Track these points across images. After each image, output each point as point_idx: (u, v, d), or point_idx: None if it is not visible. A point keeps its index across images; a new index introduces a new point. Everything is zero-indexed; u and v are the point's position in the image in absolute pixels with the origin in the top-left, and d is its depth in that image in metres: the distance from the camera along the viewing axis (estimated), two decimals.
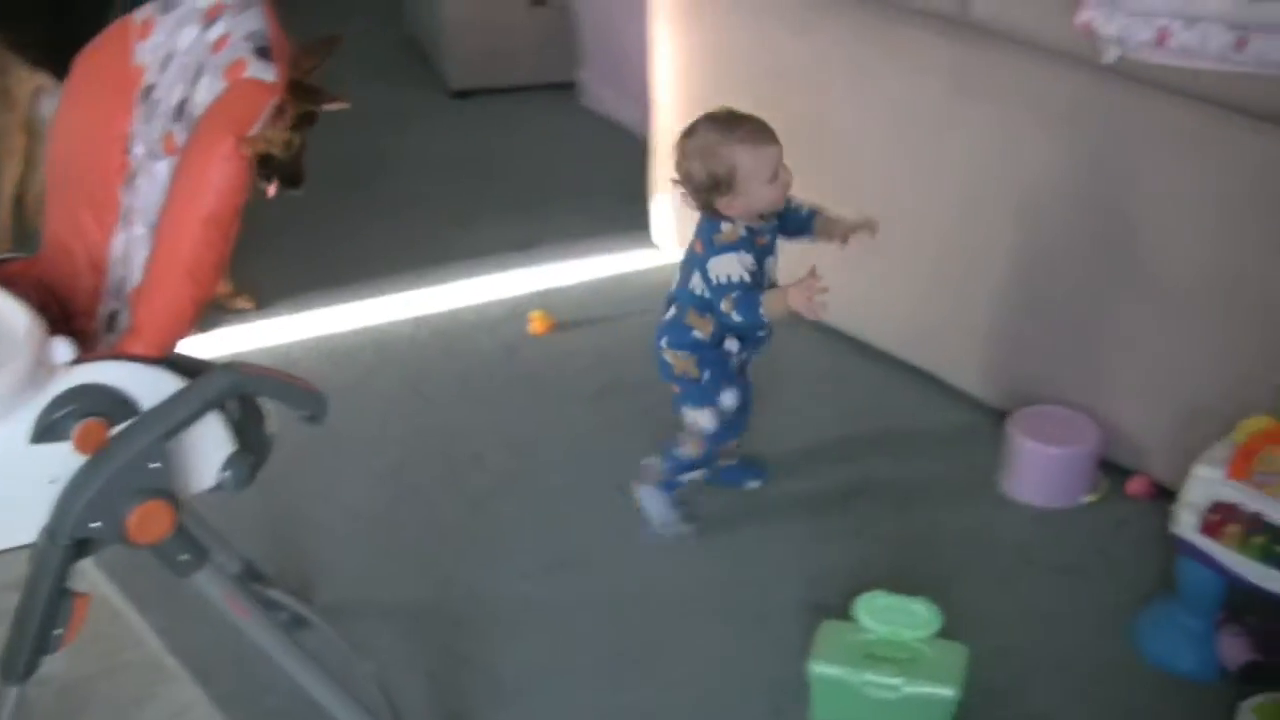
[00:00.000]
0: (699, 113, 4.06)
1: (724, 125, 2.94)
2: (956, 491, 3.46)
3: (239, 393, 2.17)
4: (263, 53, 2.16)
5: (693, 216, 4.19)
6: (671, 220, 4.40)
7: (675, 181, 3.03)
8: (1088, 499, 3.40)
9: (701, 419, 3.18)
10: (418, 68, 5.72)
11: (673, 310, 3.13)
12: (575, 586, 3.11)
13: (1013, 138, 3.44)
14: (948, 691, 2.66)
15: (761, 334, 3.14)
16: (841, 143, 3.83)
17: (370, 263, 4.40)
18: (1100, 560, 3.22)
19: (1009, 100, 3.41)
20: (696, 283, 3.05)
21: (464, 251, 4.48)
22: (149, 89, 2.36)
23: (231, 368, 2.14)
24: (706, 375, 3.13)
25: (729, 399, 3.17)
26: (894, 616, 2.77)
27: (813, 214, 3.12)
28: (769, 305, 2.93)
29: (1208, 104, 3.09)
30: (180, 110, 2.24)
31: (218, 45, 2.22)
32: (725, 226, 2.98)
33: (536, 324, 4.05)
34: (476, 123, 5.47)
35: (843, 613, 2.82)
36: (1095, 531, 3.30)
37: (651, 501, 3.27)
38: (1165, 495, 3.14)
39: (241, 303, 4.11)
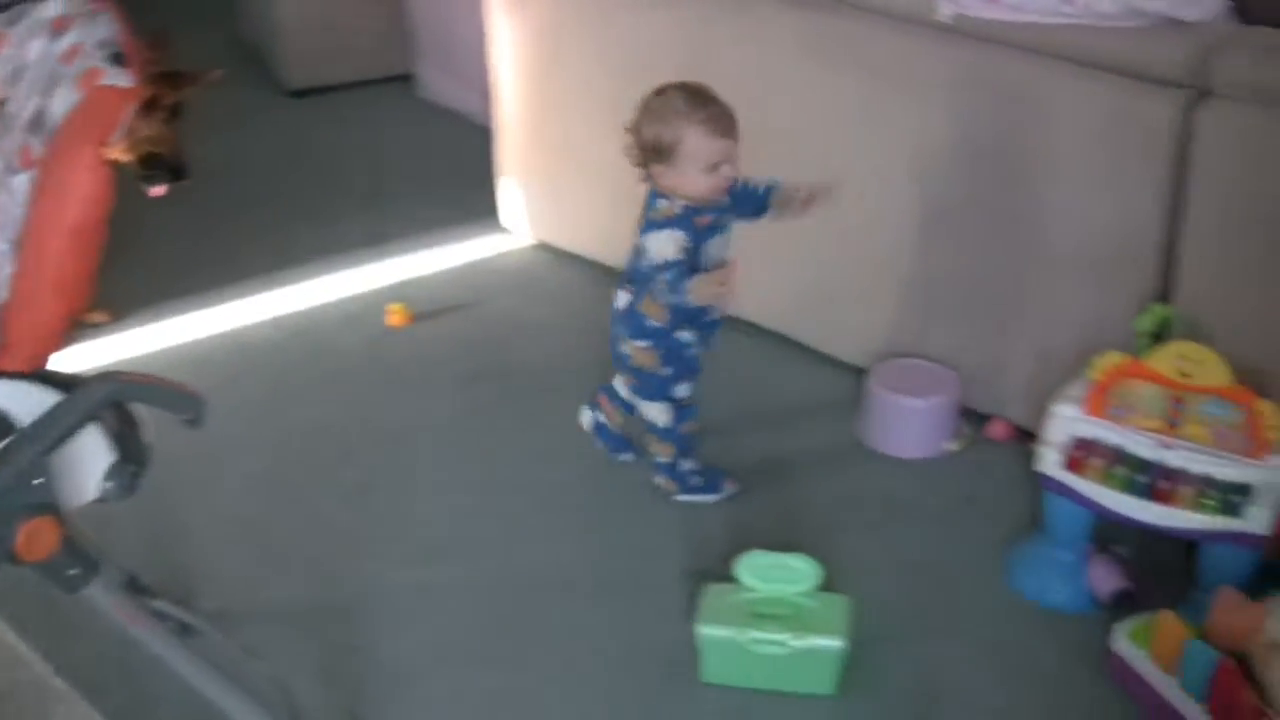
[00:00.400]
0: (540, 96, 4.10)
1: (691, 100, 2.93)
2: (826, 451, 3.53)
3: (118, 400, 2.16)
4: (117, 59, 2.16)
5: (544, 199, 4.24)
6: (521, 203, 4.42)
7: (626, 130, 3.00)
8: (951, 447, 3.48)
9: (654, 412, 3.22)
10: (253, 68, 5.67)
11: (626, 296, 3.13)
12: (457, 573, 3.13)
13: (857, 103, 3.50)
14: (834, 643, 2.73)
15: (708, 319, 3.14)
16: None
17: (222, 267, 4.37)
18: (969, 505, 3.31)
19: (855, 66, 3.48)
20: (645, 264, 3.04)
21: (316, 249, 4.46)
22: (1, 104, 2.35)
23: (109, 376, 2.13)
24: (669, 370, 3.16)
25: (682, 391, 3.21)
26: (775, 574, 2.83)
27: (770, 189, 3.12)
28: (696, 291, 2.93)
29: (1043, 56, 3.18)
30: (36, 122, 2.23)
31: (69, 55, 2.21)
32: (662, 203, 2.97)
33: (395, 316, 4.05)
34: (317, 120, 5.45)
35: (725, 577, 2.88)
36: (961, 477, 3.39)
37: (692, 499, 3.30)
38: (1026, 437, 3.23)
39: (97, 317, 4.07)
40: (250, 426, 3.61)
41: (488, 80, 4.51)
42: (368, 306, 4.15)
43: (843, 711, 2.77)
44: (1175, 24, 3.06)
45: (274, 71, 5.65)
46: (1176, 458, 2.85)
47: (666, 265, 2.94)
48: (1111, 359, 2.90)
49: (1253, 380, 2.89)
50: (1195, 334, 2.98)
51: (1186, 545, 3.00)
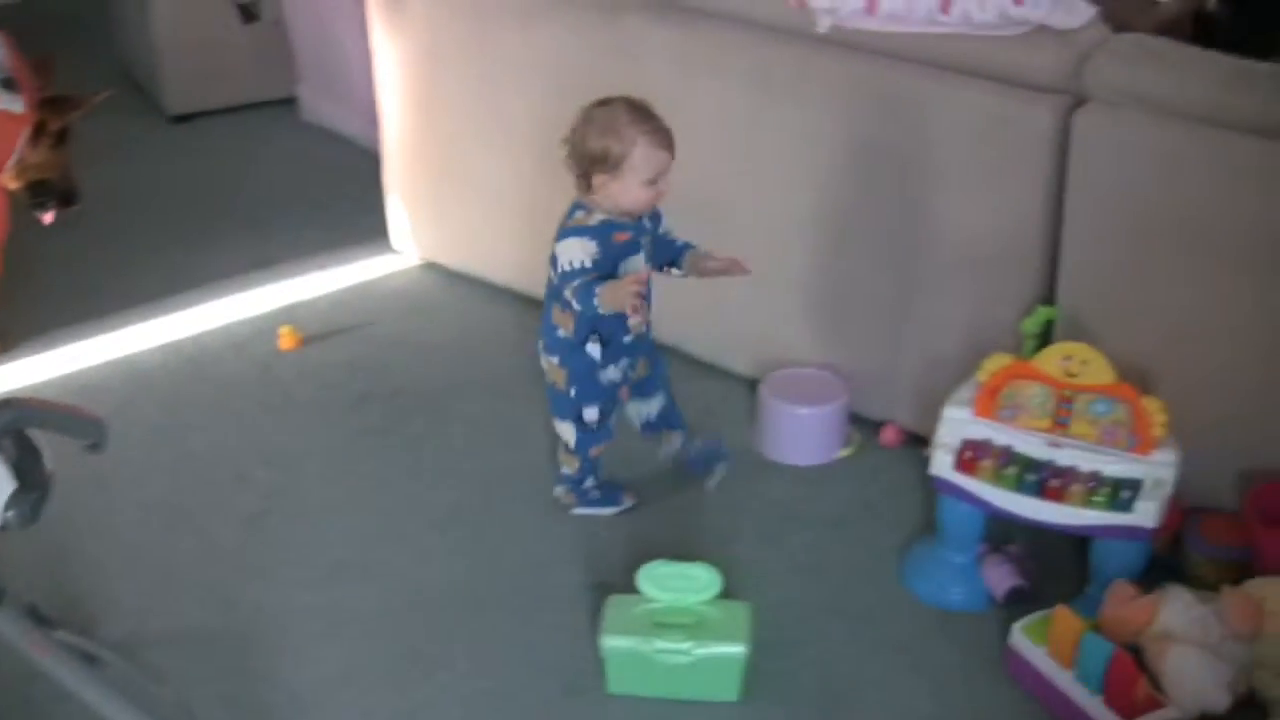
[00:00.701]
0: (424, 115, 4.11)
1: (637, 113, 2.96)
2: None
3: (20, 427, 2.14)
4: (8, 84, 2.14)
5: (432, 219, 4.24)
6: (408, 224, 4.42)
7: (564, 141, 3.02)
8: (843, 453, 3.52)
9: (564, 431, 3.23)
10: (132, 95, 5.60)
11: (544, 312, 3.17)
12: (358, 593, 3.13)
13: (739, 114, 3.54)
14: (737, 649, 2.76)
15: (627, 340, 3.14)
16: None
17: (110, 295, 4.31)
18: (863, 509, 3.36)
19: (732, 78, 3.52)
20: (552, 271, 3.06)
21: (205, 274, 4.41)
22: None
23: (8, 403, 2.12)
24: (574, 390, 3.16)
25: (591, 414, 3.19)
26: (676, 583, 2.85)
27: (686, 247, 3.16)
28: (603, 295, 2.93)
29: (923, 65, 3.24)
30: None
31: None
32: (579, 213, 3.00)
33: (285, 340, 4.03)
34: (199, 146, 5.39)
35: (626, 589, 2.89)
36: (855, 483, 3.44)
37: (588, 512, 3.31)
38: (917, 441, 3.27)
39: None
40: (144, 453, 3.58)
41: (370, 102, 4.51)
42: (258, 330, 4.13)
43: (747, 716, 2.80)
44: (1050, 32, 3.13)
45: (153, 97, 5.58)
46: (1066, 456, 2.92)
47: (574, 272, 2.96)
48: (999, 361, 2.95)
49: (1137, 378, 2.97)
50: (1080, 334, 3.04)
51: (1079, 541, 3.05)
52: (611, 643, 2.80)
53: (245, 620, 3.04)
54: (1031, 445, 2.95)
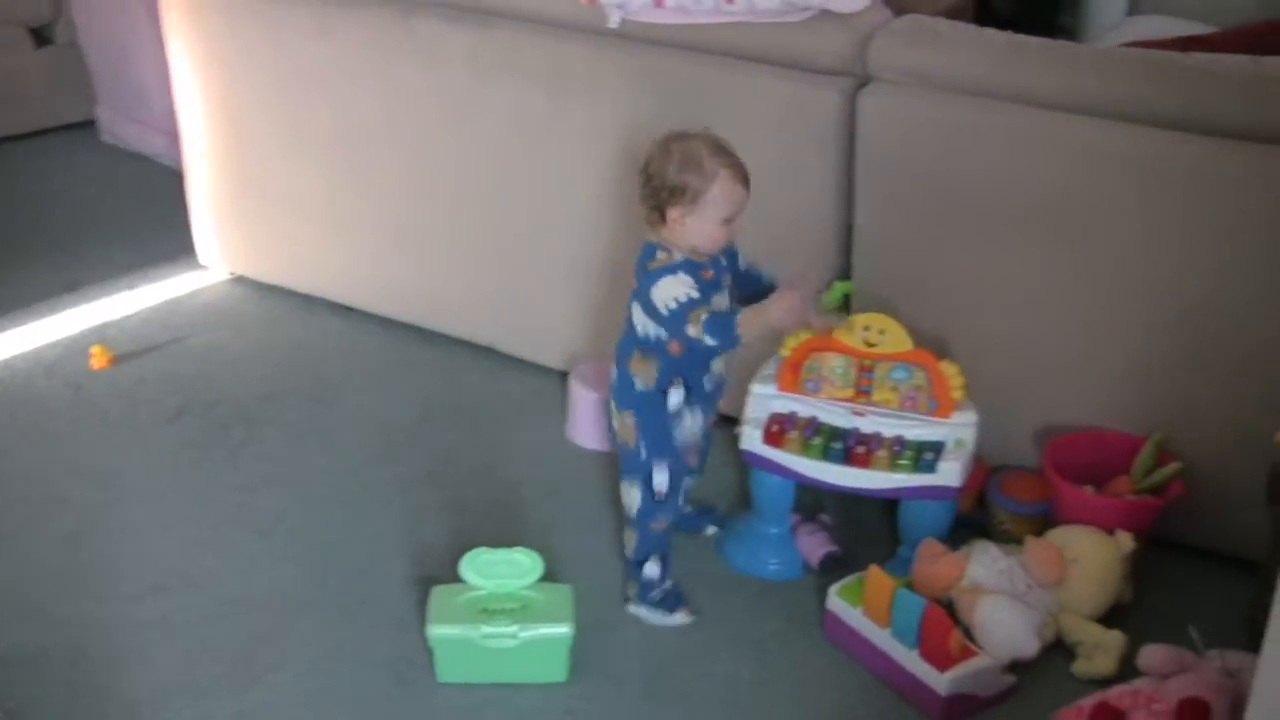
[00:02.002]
0: (225, 130, 4.10)
1: (718, 147, 2.80)
2: (532, 450, 3.65)
3: None
4: None
5: (238, 233, 4.24)
6: (215, 239, 4.42)
7: (641, 172, 2.85)
8: None
9: (629, 498, 3.04)
10: None
11: (615, 369, 3.01)
12: (185, 602, 3.13)
13: (536, 113, 3.61)
14: (563, 629, 2.83)
15: (707, 387, 3.00)
16: (370, 139, 3.95)
17: None
18: None
19: (526, 77, 3.59)
20: (638, 319, 2.91)
21: (10, 301, 4.37)
22: None
23: None
24: (644, 447, 2.98)
25: (661, 478, 2.99)
26: (499, 570, 2.90)
27: (773, 285, 2.95)
28: (748, 323, 2.78)
29: (714, 55, 3.32)
30: None
31: None
32: (660, 254, 2.84)
33: (97, 359, 4.01)
34: None
35: (449, 580, 2.94)
36: None
37: (640, 612, 3.07)
38: (726, 421, 3.34)
39: None
40: None
41: (170, 120, 4.49)
42: (68, 351, 4.10)
43: (576, 695, 2.86)
44: (833, 16, 3.23)
45: None
46: (869, 423, 3.02)
47: (684, 306, 2.79)
48: (801, 336, 3.03)
49: (934, 344, 3.08)
50: (877, 306, 3.13)
51: (888, 506, 3.16)
52: (438, 632, 2.84)
53: (74, 637, 3.03)
54: (835, 415, 3.05)
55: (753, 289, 2.97)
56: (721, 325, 2.78)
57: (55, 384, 3.95)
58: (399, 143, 3.91)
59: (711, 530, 3.29)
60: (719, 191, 2.77)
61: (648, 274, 2.84)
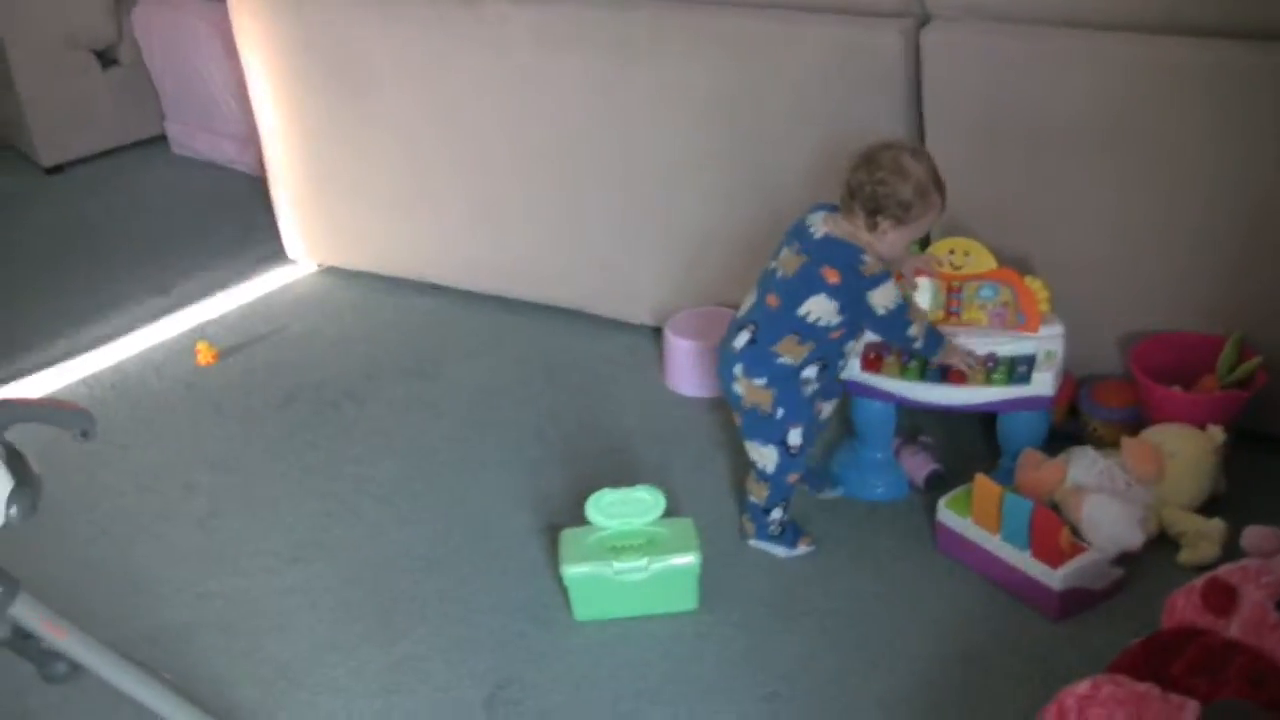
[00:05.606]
0: (297, 125, 4.21)
1: (936, 175, 2.94)
2: (633, 401, 3.78)
3: (12, 423, 2.26)
4: None
5: (321, 226, 4.35)
6: (300, 233, 4.57)
7: (863, 174, 2.93)
8: None
9: (763, 455, 3.12)
10: (4, 152, 5.70)
11: (745, 335, 3.06)
12: (321, 570, 3.27)
13: (600, 82, 3.75)
14: (690, 558, 2.95)
15: (842, 363, 3.12)
16: (442, 122, 4.08)
17: (22, 339, 4.41)
18: None
19: (593, 47, 3.72)
20: (816, 306, 2.97)
21: (107, 310, 4.53)
22: None
23: (2, 403, 2.24)
24: (780, 412, 3.06)
25: (796, 437, 3.09)
26: (623, 509, 3.02)
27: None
28: (949, 349, 3.09)
29: (772, 8, 3.46)
30: None
31: None
32: (868, 258, 2.93)
33: (203, 355, 4.15)
34: (79, 193, 5.48)
35: (572, 525, 3.06)
36: None
37: (764, 546, 3.20)
38: None
39: None
40: (87, 476, 3.66)
41: (238, 127, 4.60)
42: (173, 352, 4.25)
43: (708, 621, 2.99)
44: None
45: (25, 152, 5.66)
46: (962, 343, 3.13)
47: (900, 308, 2.96)
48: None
49: (1017, 262, 3.19)
50: (959, 230, 3.26)
51: (985, 422, 3.30)
52: (571, 571, 2.96)
53: (220, 610, 3.16)
54: None
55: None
56: (937, 336, 3.05)
57: (167, 382, 4.10)
58: (470, 124, 4.03)
59: (831, 493, 3.34)
60: (928, 219, 2.95)
61: (862, 277, 2.93)
